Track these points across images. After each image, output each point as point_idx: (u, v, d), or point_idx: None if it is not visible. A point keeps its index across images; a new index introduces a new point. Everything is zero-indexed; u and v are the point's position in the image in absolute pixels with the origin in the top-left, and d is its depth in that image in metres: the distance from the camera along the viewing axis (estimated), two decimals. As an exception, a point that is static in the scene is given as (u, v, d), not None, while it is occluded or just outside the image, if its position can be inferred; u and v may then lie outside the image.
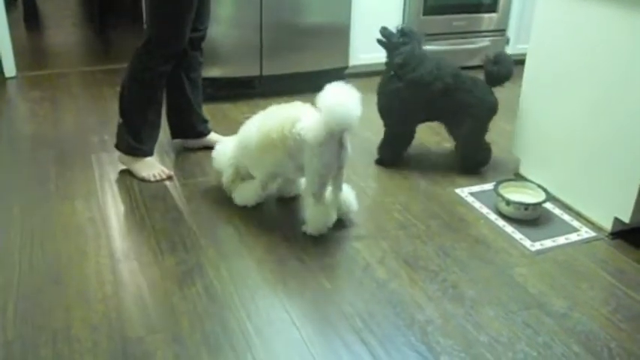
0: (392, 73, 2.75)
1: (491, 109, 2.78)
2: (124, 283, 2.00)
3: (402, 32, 2.77)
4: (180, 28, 2.50)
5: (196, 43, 2.74)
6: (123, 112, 2.65)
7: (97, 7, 4.89)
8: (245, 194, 2.46)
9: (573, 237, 2.35)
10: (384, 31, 2.79)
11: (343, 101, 2.02)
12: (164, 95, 2.73)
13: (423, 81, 2.69)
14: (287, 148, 2.20)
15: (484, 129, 2.81)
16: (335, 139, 2.10)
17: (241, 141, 2.40)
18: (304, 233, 2.29)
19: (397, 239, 2.30)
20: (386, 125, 2.85)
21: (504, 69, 2.74)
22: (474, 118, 2.75)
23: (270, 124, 2.24)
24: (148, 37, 2.50)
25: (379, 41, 2.80)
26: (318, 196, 2.21)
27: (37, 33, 5.05)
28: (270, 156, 2.27)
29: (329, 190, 2.27)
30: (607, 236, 2.35)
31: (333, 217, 2.30)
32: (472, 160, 2.86)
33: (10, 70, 3.78)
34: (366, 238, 2.30)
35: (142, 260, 2.12)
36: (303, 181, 2.36)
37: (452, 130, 2.87)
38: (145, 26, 2.52)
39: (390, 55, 2.79)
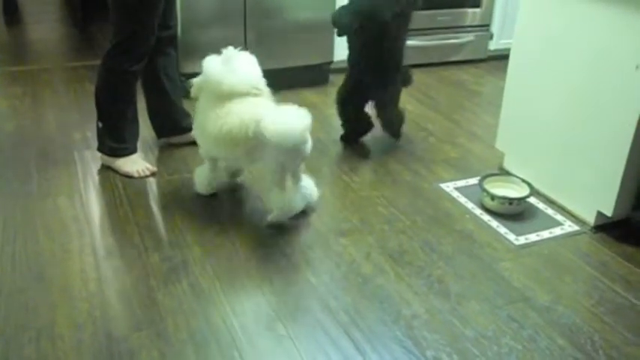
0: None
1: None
2: (109, 281, 1.98)
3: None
4: (150, 25, 2.47)
5: (168, 40, 2.71)
6: (102, 116, 2.62)
7: (79, 1, 4.83)
8: (200, 182, 2.50)
9: (557, 231, 2.37)
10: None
11: (289, 122, 2.06)
12: (144, 97, 2.75)
13: None
14: (247, 147, 2.19)
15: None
16: (296, 136, 2.10)
17: (199, 121, 2.37)
18: (284, 226, 2.29)
19: (382, 234, 2.30)
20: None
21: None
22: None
23: (231, 123, 2.18)
24: (118, 39, 2.47)
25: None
26: (280, 183, 2.23)
27: (17, 28, 4.98)
28: (228, 150, 2.26)
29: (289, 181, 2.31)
30: (590, 230, 2.37)
31: (298, 205, 2.30)
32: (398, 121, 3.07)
33: (-11, 65, 3.74)
34: (352, 232, 2.30)
35: (127, 257, 2.11)
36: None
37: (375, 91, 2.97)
38: (113, 28, 2.49)
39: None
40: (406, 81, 3.02)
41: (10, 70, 3.84)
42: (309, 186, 2.39)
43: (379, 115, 2.96)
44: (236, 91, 2.24)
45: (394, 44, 2.84)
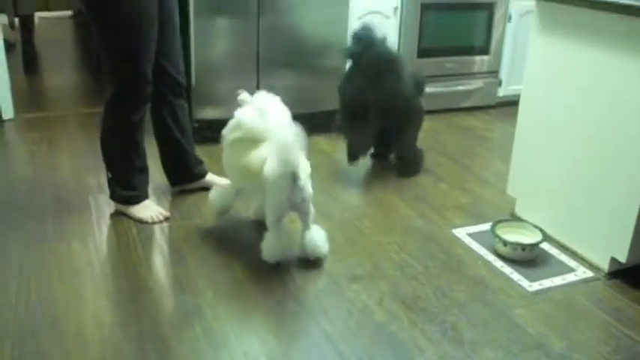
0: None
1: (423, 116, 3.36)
2: (122, 326, 1.98)
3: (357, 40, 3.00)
4: (141, 74, 2.48)
5: (178, 90, 2.74)
6: (109, 166, 2.65)
7: (93, 50, 4.95)
8: (213, 200, 2.64)
9: (570, 277, 2.36)
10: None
11: (290, 145, 2.14)
12: (154, 145, 2.80)
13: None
14: (259, 182, 2.28)
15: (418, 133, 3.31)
16: (286, 177, 2.18)
17: (226, 154, 2.49)
18: (296, 273, 2.29)
19: (395, 280, 2.30)
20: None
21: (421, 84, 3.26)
22: (416, 123, 3.30)
23: (250, 157, 2.32)
24: (113, 89, 2.51)
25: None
26: (275, 227, 2.29)
27: (35, 76, 5.10)
28: (247, 181, 2.41)
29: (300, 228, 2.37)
30: (604, 276, 2.36)
31: (290, 250, 2.35)
32: (412, 163, 3.30)
33: (8, 112, 3.81)
34: (364, 278, 2.30)
35: (140, 302, 2.11)
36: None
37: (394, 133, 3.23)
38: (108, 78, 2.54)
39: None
40: (419, 88, 3.22)
41: (27, 117, 3.91)
42: (316, 239, 2.36)
43: (397, 149, 3.26)
44: (269, 135, 2.34)
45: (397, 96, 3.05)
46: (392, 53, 3.07)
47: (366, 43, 2.96)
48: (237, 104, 2.45)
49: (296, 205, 2.27)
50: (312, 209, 2.33)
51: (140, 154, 2.67)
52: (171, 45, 2.66)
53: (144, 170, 2.72)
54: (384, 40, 3.02)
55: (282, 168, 2.17)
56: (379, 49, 2.98)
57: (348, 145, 3.10)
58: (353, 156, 3.10)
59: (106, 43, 2.47)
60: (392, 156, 3.38)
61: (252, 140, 2.35)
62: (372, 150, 3.30)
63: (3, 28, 3.88)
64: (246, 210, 2.71)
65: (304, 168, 2.24)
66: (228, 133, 2.45)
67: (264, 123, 2.35)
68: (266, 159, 2.24)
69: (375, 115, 2.94)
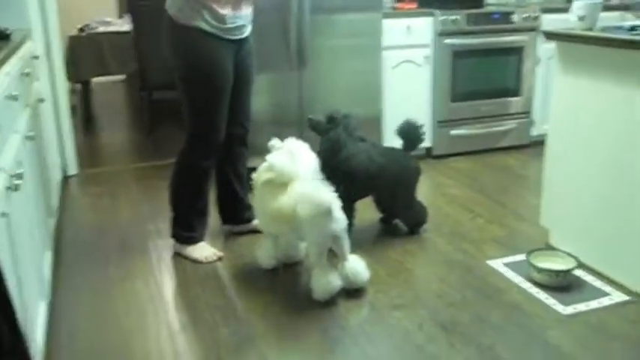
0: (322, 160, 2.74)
1: (417, 173, 3.06)
2: (183, 353, 2.17)
3: (328, 118, 2.89)
4: (215, 122, 2.74)
5: (242, 139, 3.00)
6: (173, 206, 2.90)
7: (146, 111, 5.31)
8: (261, 256, 2.76)
9: (605, 301, 2.45)
10: (309, 121, 2.93)
11: (315, 185, 2.39)
12: (213, 186, 3.00)
13: (358, 170, 2.85)
14: (293, 225, 2.47)
15: (414, 191, 3.07)
16: (323, 214, 2.35)
17: (257, 196, 2.67)
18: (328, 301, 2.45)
19: (435, 307, 2.43)
20: None
21: (414, 136, 3.05)
22: (405, 185, 3.03)
23: (281, 203, 2.49)
24: (187, 138, 2.78)
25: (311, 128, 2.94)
26: (318, 264, 2.45)
27: (94, 135, 5.48)
28: (281, 227, 2.57)
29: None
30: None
31: (336, 284, 2.47)
32: (414, 220, 3.13)
33: (72, 168, 4.14)
34: (405, 307, 2.44)
35: (199, 331, 2.30)
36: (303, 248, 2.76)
37: (385, 200, 3.12)
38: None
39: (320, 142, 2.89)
40: (409, 146, 3.07)
41: (89, 172, 4.24)
42: (357, 268, 2.53)
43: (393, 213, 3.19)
44: (297, 179, 2.53)
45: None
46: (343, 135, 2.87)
47: (334, 121, 2.88)
48: (268, 149, 2.64)
49: (335, 236, 2.44)
50: (347, 239, 2.50)
51: (202, 199, 2.90)
52: (245, 98, 2.93)
53: (204, 214, 2.95)
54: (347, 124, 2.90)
55: (317, 207, 2.35)
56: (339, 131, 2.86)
57: None
58: None
59: (184, 94, 2.74)
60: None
61: (282, 183, 2.53)
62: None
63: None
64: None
65: (334, 201, 2.40)
66: (259, 175, 2.65)
67: (295, 166, 2.54)
68: (296, 204, 2.42)
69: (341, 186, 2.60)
